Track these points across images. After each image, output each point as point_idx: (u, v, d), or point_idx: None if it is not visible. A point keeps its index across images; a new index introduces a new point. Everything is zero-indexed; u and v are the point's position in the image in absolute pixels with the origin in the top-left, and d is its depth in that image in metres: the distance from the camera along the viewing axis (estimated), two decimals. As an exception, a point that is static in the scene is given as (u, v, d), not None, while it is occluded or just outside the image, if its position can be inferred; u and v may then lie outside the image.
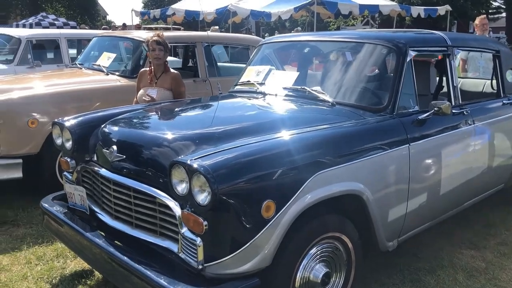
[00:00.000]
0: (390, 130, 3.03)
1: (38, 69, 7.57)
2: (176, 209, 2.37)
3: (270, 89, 3.64)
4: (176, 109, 3.52)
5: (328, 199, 2.56)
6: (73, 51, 8.81)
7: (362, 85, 3.35)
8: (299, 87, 3.46)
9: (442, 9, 15.07)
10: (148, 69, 4.51)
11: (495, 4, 30.67)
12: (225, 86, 6.12)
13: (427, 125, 3.24)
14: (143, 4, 49.61)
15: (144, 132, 2.85)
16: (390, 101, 3.15)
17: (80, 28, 15.92)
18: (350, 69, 3.45)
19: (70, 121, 3.28)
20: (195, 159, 2.25)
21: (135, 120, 3.16)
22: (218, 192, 2.15)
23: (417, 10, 14.41)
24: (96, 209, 3.00)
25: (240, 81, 4.03)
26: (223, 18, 14.31)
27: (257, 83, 3.77)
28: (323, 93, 3.32)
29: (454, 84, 3.69)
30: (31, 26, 18.24)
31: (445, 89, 3.79)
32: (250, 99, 3.71)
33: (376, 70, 3.48)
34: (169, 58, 8.24)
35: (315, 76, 3.59)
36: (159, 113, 3.45)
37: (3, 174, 4.54)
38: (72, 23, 20.74)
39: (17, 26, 19.06)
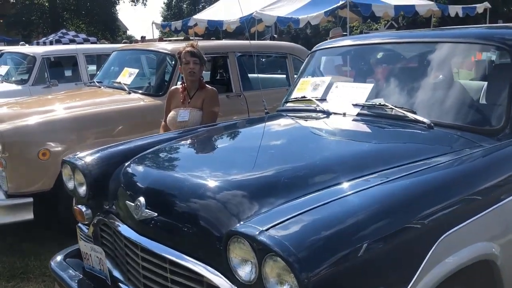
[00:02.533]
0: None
1: (55, 88, 6.95)
2: (236, 297, 1.59)
3: (335, 107, 2.83)
4: (220, 140, 2.73)
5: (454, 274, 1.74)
6: (92, 68, 8.23)
7: (467, 99, 2.52)
8: (377, 103, 2.65)
9: (480, 7, 14.06)
10: (180, 86, 3.77)
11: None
12: (259, 102, 5.41)
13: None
14: (162, 18, 49.65)
15: (183, 178, 2.03)
16: (508, 119, 2.31)
17: (100, 43, 15.48)
18: (447, 78, 2.61)
19: (83, 159, 2.54)
20: (266, 230, 1.46)
21: (168, 159, 2.39)
22: (310, 285, 1.35)
23: (455, 9, 13.43)
24: (119, 277, 2.24)
25: (292, 97, 3.24)
26: (248, 26, 13.58)
27: (316, 99, 2.97)
28: (413, 111, 2.49)
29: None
30: (51, 44, 17.92)
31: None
32: (309, 121, 2.91)
33: (483, 78, 2.64)
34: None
35: (394, 89, 2.76)
36: (199, 146, 2.67)
37: (11, 216, 3.83)
38: (92, 38, 20.44)
39: (38, 44, 18.78)
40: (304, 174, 1.98)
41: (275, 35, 15.92)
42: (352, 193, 1.70)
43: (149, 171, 2.22)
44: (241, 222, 1.58)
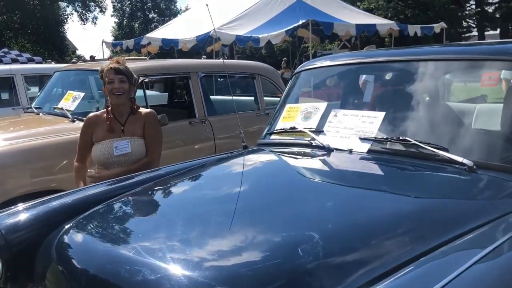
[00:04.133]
0: None
1: (-13, 114, 6.02)
2: None
3: (338, 142, 2.22)
4: (191, 194, 1.99)
5: None
6: (35, 90, 7.33)
7: (508, 130, 1.95)
8: (396, 137, 2.05)
9: (437, 27, 14.14)
10: (103, 111, 3.00)
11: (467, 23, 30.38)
12: (229, 126, 4.76)
13: None
14: (113, 38, 48.26)
15: (142, 255, 1.31)
16: None
17: (47, 63, 14.42)
18: (489, 98, 2.06)
19: (1, 223, 1.79)
20: None
21: (118, 224, 1.65)
22: None
23: (414, 29, 13.39)
24: None
25: (278, 127, 2.60)
26: (205, 45, 12.98)
27: (311, 131, 2.35)
28: (445, 149, 1.91)
29: None
30: (-10, 63, 16.61)
31: None
32: (305, 160, 2.29)
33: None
34: (150, 93, 6.73)
35: (413, 118, 2.18)
36: (164, 203, 1.93)
37: None
38: (37, 58, 19.16)
39: (-24, 64, 17.37)
40: (337, 254, 1.32)
41: (226, 54, 15.30)
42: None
43: (96, 249, 1.50)
44: None
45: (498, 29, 28.10)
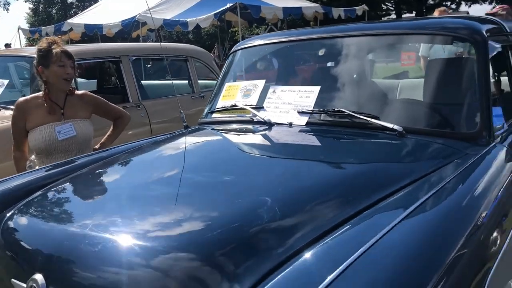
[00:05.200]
0: (509, 167, 1.86)
1: None
2: None
3: (278, 116, 2.32)
4: (134, 173, 1.99)
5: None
6: None
7: (435, 98, 2.15)
8: (330, 109, 2.18)
9: (359, 9, 14.71)
10: (34, 96, 2.91)
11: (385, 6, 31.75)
12: (165, 110, 4.73)
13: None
14: (29, 25, 45.21)
15: (94, 239, 1.32)
16: (483, 121, 1.99)
17: None
18: (409, 76, 2.23)
19: None
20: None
21: (57, 210, 1.62)
22: None
23: (338, 12, 13.84)
24: None
25: (219, 106, 2.65)
26: (131, 30, 12.62)
27: (252, 107, 2.43)
28: (376, 117, 2.06)
29: (521, 86, 2.63)
30: None
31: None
32: (248, 135, 2.37)
33: (449, 74, 2.29)
34: (79, 80, 6.51)
35: (346, 91, 2.31)
36: (110, 184, 1.91)
37: None
38: None
39: None
40: (284, 219, 1.38)
41: (152, 40, 14.98)
42: (371, 245, 1.16)
43: (47, 230, 1.48)
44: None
45: (414, 12, 29.69)
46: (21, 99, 2.94)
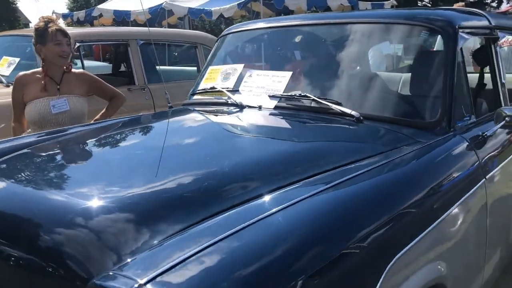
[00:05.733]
0: (460, 157, 1.88)
1: None
2: None
3: (250, 99, 2.39)
4: (103, 143, 2.14)
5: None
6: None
7: (399, 89, 2.18)
8: (297, 94, 2.24)
9: (388, 4, 14.48)
10: (34, 71, 3.05)
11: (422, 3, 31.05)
12: (171, 95, 4.82)
13: (496, 143, 2.14)
14: (68, 10, 46.31)
15: (38, 197, 1.46)
16: (444, 110, 2.01)
17: None
18: (374, 64, 2.26)
19: None
20: (146, 283, 0.95)
21: (25, 169, 1.76)
22: None
23: (365, 5, 13.68)
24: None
25: (199, 88, 2.74)
26: (157, 18, 12.83)
27: (228, 90, 2.50)
28: (338, 103, 2.10)
29: (503, 81, 2.61)
30: None
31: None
32: (219, 116, 2.45)
33: (414, 64, 2.31)
34: (96, 63, 6.71)
35: (316, 77, 2.37)
36: (73, 151, 2.05)
37: None
38: (-17, 29, 18.40)
39: None
40: (210, 186, 1.48)
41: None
42: (272, 214, 1.24)
43: (11, 184, 1.60)
44: (112, 269, 1.06)
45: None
46: (21, 73, 3.10)
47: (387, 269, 1.25)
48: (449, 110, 2.01)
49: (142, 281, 0.95)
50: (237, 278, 1.00)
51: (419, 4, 29.65)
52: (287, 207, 1.25)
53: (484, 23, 2.53)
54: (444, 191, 1.66)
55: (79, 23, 16.40)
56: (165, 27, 13.44)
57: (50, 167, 1.80)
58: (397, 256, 1.31)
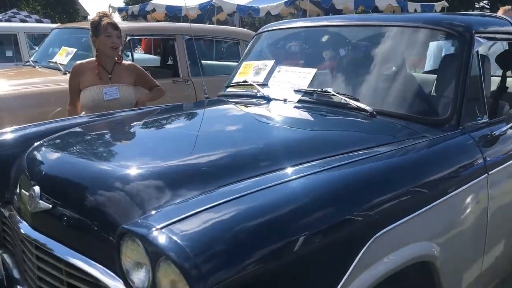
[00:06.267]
0: (462, 153, 2.03)
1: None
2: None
3: (277, 93, 2.61)
4: (144, 125, 2.43)
5: (388, 276, 1.55)
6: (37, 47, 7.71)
7: (412, 87, 2.34)
8: (319, 89, 2.44)
9: (438, 6, 14.23)
10: (89, 60, 3.40)
11: (480, 4, 30.02)
12: (212, 88, 5.13)
13: (504, 143, 2.26)
14: (124, 4, 47.90)
15: (85, 164, 1.76)
16: (454, 109, 2.15)
17: None
18: (392, 64, 2.42)
19: (-15, 141, 2.21)
20: (162, 228, 1.21)
21: (76, 143, 2.07)
22: (206, 296, 1.11)
23: (414, 6, 13.52)
24: (17, 277, 1.94)
25: (233, 81, 2.99)
26: (207, 14, 13.21)
27: (258, 84, 2.73)
28: (355, 99, 2.29)
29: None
30: None
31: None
32: (248, 107, 2.68)
33: (429, 65, 2.47)
34: (146, 56, 7.10)
35: (339, 75, 2.56)
36: (117, 130, 2.36)
37: None
38: (45, 20, 19.43)
39: (-14, 23, 17.72)
40: (228, 162, 1.74)
41: (234, 25, 15.53)
42: (274, 185, 1.47)
43: (51, 156, 1.92)
44: (139, 219, 1.33)
45: None
46: (77, 62, 3.47)
47: (377, 235, 1.47)
48: (459, 109, 2.15)
49: (159, 226, 1.20)
50: (241, 228, 1.24)
51: (476, 6, 28.70)
52: (299, 177, 1.48)
53: (508, 28, 2.63)
54: (441, 179, 1.82)
55: (133, 17, 17.07)
56: (214, 23, 13.87)
57: (97, 142, 2.11)
58: (390, 227, 1.52)
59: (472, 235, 1.98)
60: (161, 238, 1.17)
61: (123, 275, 1.31)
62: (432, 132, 2.07)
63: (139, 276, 1.26)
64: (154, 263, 1.19)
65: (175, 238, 1.16)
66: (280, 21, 3.24)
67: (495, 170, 2.10)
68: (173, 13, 14.45)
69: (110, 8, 16.82)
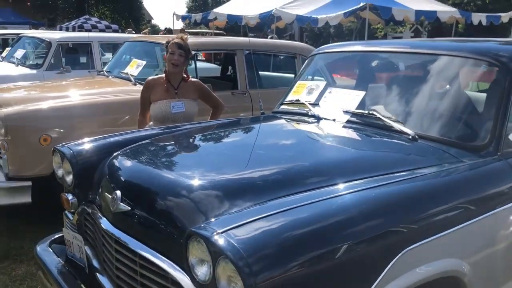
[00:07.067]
0: (498, 178, 2.18)
1: (68, 74, 7.05)
2: (195, 294, 1.62)
3: (327, 112, 2.84)
4: (208, 139, 2.76)
5: (418, 286, 1.75)
6: (109, 55, 8.32)
7: (453, 113, 2.50)
8: (366, 111, 2.65)
9: (505, 17, 13.77)
10: (159, 76, 3.78)
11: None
12: (268, 99, 5.41)
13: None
14: (187, 9, 49.65)
15: (158, 173, 2.09)
16: (493, 136, 2.29)
17: (127, 32, 15.44)
18: (435, 90, 2.59)
19: (72, 149, 2.60)
20: (222, 232, 1.49)
21: (150, 154, 2.41)
22: (256, 289, 1.38)
23: (478, 17, 13.19)
24: (97, 266, 2.29)
25: (287, 99, 3.25)
26: (267, 23, 13.56)
27: (309, 104, 2.98)
28: (399, 122, 2.49)
29: None
30: (73, 29, 18.17)
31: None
32: (299, 124, 2.92)
33: (470, 93, 2.62)
34: (208, 65, 7.49)
35: (386, 98, 2.76)
36: (184, 143, 2.69)
37: (10, 198, 3.94)
38: (114, 26, 20.62)
39: (61, 29, 19.03)
40: (281, 177, 2.01)
41: (292, 33, 15.79)
42: (322, 200, 1.72)
43: (129, 165, 2.27)
44: (203, 223, 1.61)
45: None
46: (150, 78, 3.86)
47: (409, 248, 1.69)
48: (498, 136, 2.29)
49: (220, 231, 1.48)
50: (287, 236, 1.50)
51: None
52: (332, 197, 1.72)
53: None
54: (474, 202, 1.99)
55: (196, 24, 17.76)
56: (274, 30, 14.20)
57: (167, 154, 2.45)
58: (423, 241, 1.74)
59: (503, 257, 2.12)
60: (221, 241, 1.45)
61: (189, 269, 1.60)
62: (470, 158, 2.23)
63: (202, 270, 1.54)
64: (214, 260, 1.47)
65: (232, 241, 1.43)
66: (333, 44, 3.46)
67: (530, 195, 2.22)
68: (234, 22, 14.94)
69: (175, 16, 17.62)
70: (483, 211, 2.01)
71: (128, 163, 2.29)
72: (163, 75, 3.74)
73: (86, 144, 2.65)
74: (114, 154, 2.45)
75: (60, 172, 2.66)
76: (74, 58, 7.90)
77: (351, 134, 2.62)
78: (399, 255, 1.67)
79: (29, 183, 3.94)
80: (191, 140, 2.73)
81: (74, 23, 19.73)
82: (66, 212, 2.68)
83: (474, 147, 2.31)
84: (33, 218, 4.27)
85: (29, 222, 4.23)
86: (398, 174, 2.01)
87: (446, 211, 1.88)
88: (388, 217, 1.72)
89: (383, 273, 1.63)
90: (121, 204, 2.01)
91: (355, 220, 1.66)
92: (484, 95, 2.49)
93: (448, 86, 2.55)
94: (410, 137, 2.38)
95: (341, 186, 1.87)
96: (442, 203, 1.90)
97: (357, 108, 2.72)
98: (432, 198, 1.88)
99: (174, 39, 3.66)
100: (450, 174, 2.06)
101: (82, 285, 2.27)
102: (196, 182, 1.92)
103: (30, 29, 18.59)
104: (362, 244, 1.62)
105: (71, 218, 2.60)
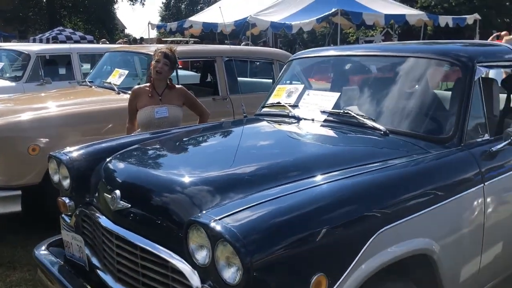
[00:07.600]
0: (461, 166, 2.42)
1: (49, 86, 7.10)
2: (194, 279, 1.80)
3: (305, 113, 3.06)
4: (195, 140, 2.95)
5: (392, 264, 1.97)
6: (87, 66, 8.40)
7: (420, 110, 2.74)
8: (341, 111, 2.87)
9: (470, 18, 14.37)
10: (145, 85, 3.96)
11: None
12: (247, 104, 5.61)
13: (501, 158, 2.62)
14: (160, 18, 49.72)
15: (154, 173, 2.27)
16: (457, 129, 2.54)
17: (101, 43, 15.43)
18: (404, 89, 2.84)
19: (68, 154, 2.74)
20: (219, 219, 1.67)
21: (144, 156, 2.59)
22: (252, 268, 1.57)
23: (445, 20, 13.73)
24: (97, 264, 2.44)
25: (268, 102, 3.46)
26: (242, 30, 13.82)
27: (289, 105, 3.19)
28: (372, 119, 2.72)
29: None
30: (47, 41, 18.03)
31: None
32: (281, 125, 3.13)
33: (436, 91, 2.87)
34: (186, 72, 7.65)
35: (359, 98, 3.00)
36: (174, 145, 2.87)
37: (0, 208, 4.02)
38: (89, 37, 20.51)
39: (34, 40, 18.88)
40: (266, 171, 2.20)
41: (266, 40, 16.12)
42: (304, 189, 1.92)
43: (126, 167, 2.43)
44: (201, 213, 1.80)
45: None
46: (136, 86, 4.03)
47: (383, 229, 1.89)
48: (461, 129, 2.54)
49: (217, 218, 1.67)
50: (275, 221, 1.69)
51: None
52: (323, 184, 1.93)
53: (510, 56, 3.00)
54: (441, 188, 2.22)
55: (171, 33, 17.90)
56: (249, 37, 14.45)
57: (159, 155, 2.64)
58: (395, 223, 1.94)
59: (469, 236, 2.36)
60: (219, 227, 1.63)
61: (189, 255, 1.78)
62: (436, 149, 2.47)
63: (202, 255, 1.73)
64: (213, 244, 1.65)
65: (229, 226, 1.62)
66: (310, 49, 3.70)
67: (490, 181, 2.47)
68: (209, 29, 15.15)
69: (150, 25, 17.74)
70: (449, 196, 2.24)
71: (124, 165, 2.46)
72: (148, 84, 3.90)
73: (81, 150, 2.80)
74: (108, 158, 2.61)
75: (56, 178, 2.80)
76: (53, 69, 7.95)
77: (329, 132, 2.83)
78: (374, 236, 1.88)
79: (19, 192, 4.03)
80: (181, 142, 2.91)
81: (48, 34, 19.56)
82: (63, 215, 2.81)
83: (440, 140, 2.55)
84: (22, 227, 4.36)
85: (19, 230, 4.32)
86: (371, 165, 2.23)
87: (416, 196, 2.10)
88: (362, 203, 1.93)
89: (360, 253, 1.83)
90: (121, 202, 2.18)
91: (333, 206, 1.86)
92: (450, 93, 2.74)
93: (416, 86, 2.79)
94: (382, 132, 2.61)
95: (320, 177, 2.07)
96: (411, 190, 2.12)
97: (333, 108, 2.94)
98: (402, 185, 2.11)
99: (162, 48, 3.83)
100: (419, 163, 2.29)
101: (84, 282, 2.41)
102: (191, 178, 2.11)
103: (1, 42, 18.37)
104: (340, 227, 1.82)
105: (68, 220, 2.73)
